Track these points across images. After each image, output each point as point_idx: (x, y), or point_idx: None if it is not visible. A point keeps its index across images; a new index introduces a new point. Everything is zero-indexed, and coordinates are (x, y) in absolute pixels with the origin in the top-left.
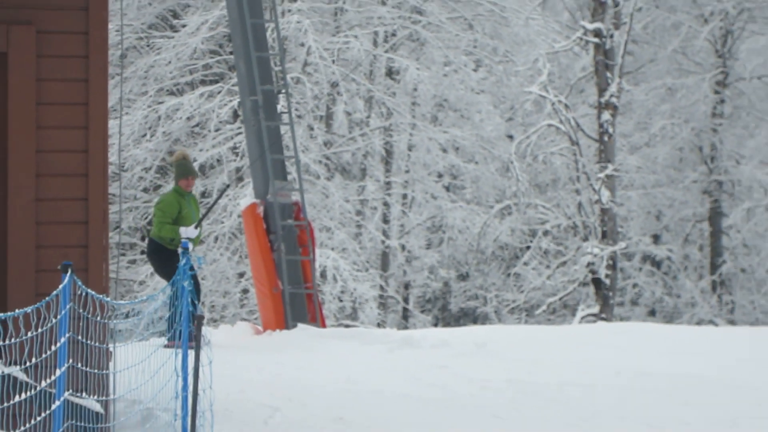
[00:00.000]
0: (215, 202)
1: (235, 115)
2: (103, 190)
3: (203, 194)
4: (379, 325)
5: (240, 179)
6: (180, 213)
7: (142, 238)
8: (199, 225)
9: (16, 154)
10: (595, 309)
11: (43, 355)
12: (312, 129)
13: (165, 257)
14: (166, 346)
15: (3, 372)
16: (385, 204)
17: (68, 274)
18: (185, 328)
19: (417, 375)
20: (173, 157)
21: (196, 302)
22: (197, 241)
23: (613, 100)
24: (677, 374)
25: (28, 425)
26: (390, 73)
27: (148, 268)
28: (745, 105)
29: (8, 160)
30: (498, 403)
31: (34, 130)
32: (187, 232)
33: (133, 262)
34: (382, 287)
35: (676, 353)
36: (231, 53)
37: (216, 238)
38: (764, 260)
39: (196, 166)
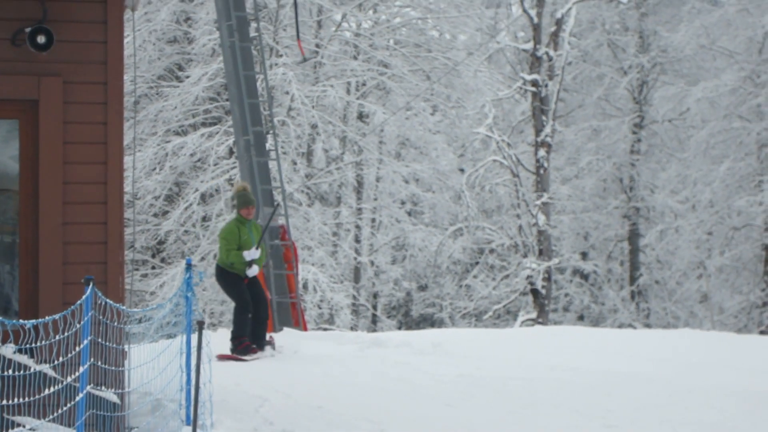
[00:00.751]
0: (267, 224)
1: (231, 152)
2: (119, 216)
3: (204, 218)
4: (352, 329)
5: (235, 205)
6: (240, 239)
7: (152, 256)
8: (258, 246)
9: (46, 185)
10: (533, 315)
11: (69, 355)
12: (295, 163)
13: (231, 280)
14: (219, 358)
15: (35, 369)
16: (357, 227)
17: (90, 286)
18: (188, 332)
19: (383, 370)
20: (234, 189)
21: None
22: (261, 261)
23: (548, 139)
24: (602, 370)
25: (56, 414)
26: (361, 116)
27: (158, 281)
28: (658, 143)
29: (39, 190)
30: (451, 394)
31: (62, 164)
32: (250, 254)
33: (145, 275)
34: (354, 297)
35: (601, 352)
36: (227, 100)
37: (214, 256)
38: (674, 273)
39: (197, 195)
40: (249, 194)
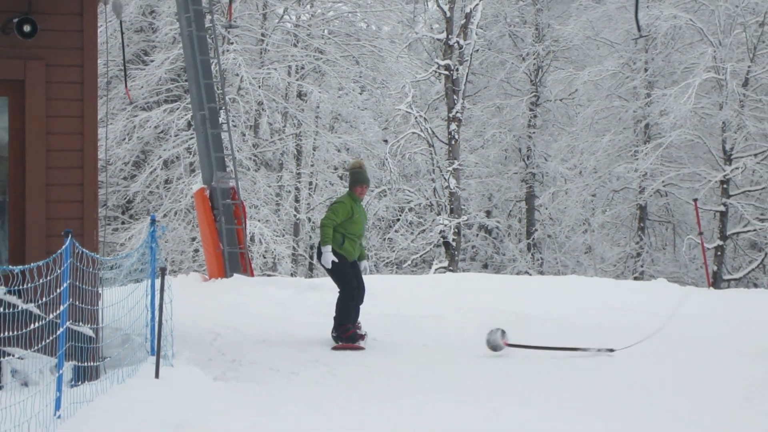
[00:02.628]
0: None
1: (189, 125)
2: (94, 178)
3: (166, 181)
4: (291, 275)
5: (193, 170)
6: (352, 217)
7: (122, 213)
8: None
9: (31, 152)
10: (445, 263)
11: (51, 296)
12: (244, 135)
13: (339, 263)
14: (334, 348)
15: (22, 307)
16: (297, 188)
17: (69, 238)
18: (152, 277)
19: (318, 309)
20: (350, 165)
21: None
22: (338, 242)
23: (458, 115)
24: (502, 310)
25: (40, 345)
26: (300, 95)
27: (128, 234)
28: (551, 119)
29: (26, 156)
30: (376, 330)
31: (45, 135)
32: (328, 254)
33: (116, 229)
34: (294, 248)
35: (501, 295)
36: (186, 80)
37: (175, 213)
38: (564, 229)
39: (160, 162)
40: (365, 172)
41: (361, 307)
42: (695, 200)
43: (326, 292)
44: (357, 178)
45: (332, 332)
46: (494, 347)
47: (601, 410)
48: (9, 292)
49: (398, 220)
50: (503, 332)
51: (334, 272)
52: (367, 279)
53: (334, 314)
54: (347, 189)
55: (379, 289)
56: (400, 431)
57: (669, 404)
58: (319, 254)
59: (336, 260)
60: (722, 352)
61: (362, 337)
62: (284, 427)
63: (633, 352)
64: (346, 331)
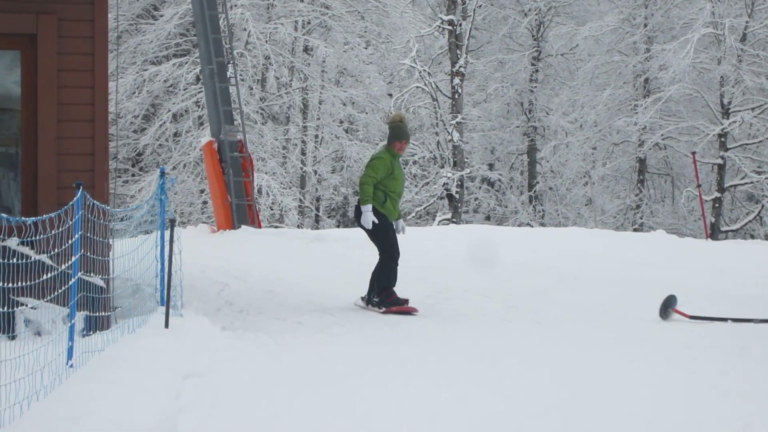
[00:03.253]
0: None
1: (198, 79)
2: (104, 131)
3: (175, 134)
4: (298, 227)
5: (201, 124)
6: (392, 173)
7: (132, 165)
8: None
9: (43, 106)
10: (449, 215)
11: (63, 247)
12: (251, 89)
13: (381, 223)
14: (384, 312)
15: (35, 258)
16: (303, 142)
17: (80, 190)
18: (162, 228)
19: (324, 260)
20: (390, 118)
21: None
22: (378, 201)
23: (462, 69)
24: (504, 261)
25: (53, 295)
26: (306, 49)
27: (138, 186)
28: (552, 74)
29: (38, 109)
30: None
31: (56, 88)
32: (369, 213)
33: (126, 182)
34: (300, 200)
35: (504, 246)
36: (195, 35)
37: (184, 165)
38: (565, 181)
39: (169, 115)
40: (405, 127)
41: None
42: (693, 153)
43: (331, 242)
44: (396, 132)
45: (371, 296)
46: (665, 311)
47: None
48: (22, 242)
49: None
50: (675, 299)
51: (376, 233)
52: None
53: (372, 277)
54: (385, 144)
55: None
56: (403, 379)
57: (667, 352)
58: (358, 214)
59: (377, 220)
60: (719, 303)
61: (406, 300)
62: (290, 375)
63: (629, 301)
64: (390, 296)
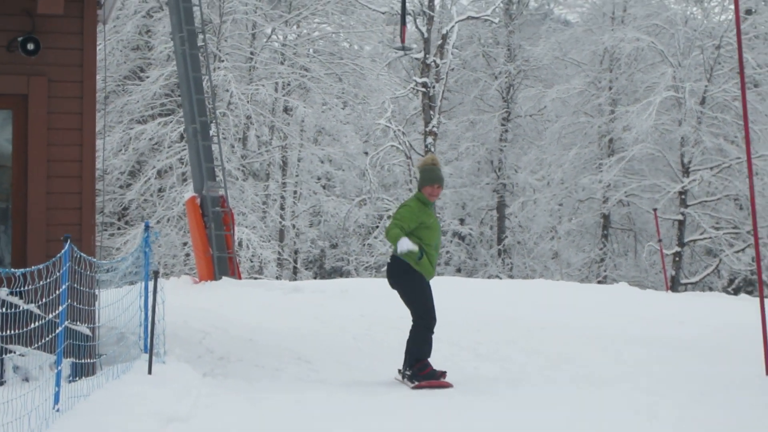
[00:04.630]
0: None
1: (181, 137)
2: (91, 187)
3: (159, 190)
4: (277, 278)
5: (185, 180)
6: (424, 224)
7: (118, 219)
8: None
9: (33, 162)
10: None
11: (51, 297)
12: (233, 146)
13: (417, 282)
14: (416, 387)
15: (24, 308)
16: (282, 197)
17: (68, 243)
18: (146, 279)
19: (302, 311)
20: (421, 161)
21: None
22: (413, 257)
23: (434, 129)
24: (474, 311)
25: (40, 343)
26: (286, 109)
27: (123, 239)
28: (521, 133)
29: (28, 166)
30: (356, 330)
31: (46, 146)
32: (407, 244)
33: (112, 234)
34: (279, 252)
35: (473, 297)
36: (179, 96)
37: (168, 219)
38: (533, 236)
39: (154, 171)
40: (438, 170)
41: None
42: (655, 210)
43: (309, 294)
44: (427, 176)
45: (405, 370)
46: None
47: (565, 404)
48: (11, 293)
49: (377, 227)
50: None
51: (412, 292)
52: (348, 282)
53: (407, 347)
54: (416, 191)
55: (359, 292)
56: (376, 425)
57: (628, 398)
58: (391, 272)
59: (415, 247)
60: (679, 351)
61: (443, 374)
62: (269, 419)
63: (593, 349)
64: (423, 369)
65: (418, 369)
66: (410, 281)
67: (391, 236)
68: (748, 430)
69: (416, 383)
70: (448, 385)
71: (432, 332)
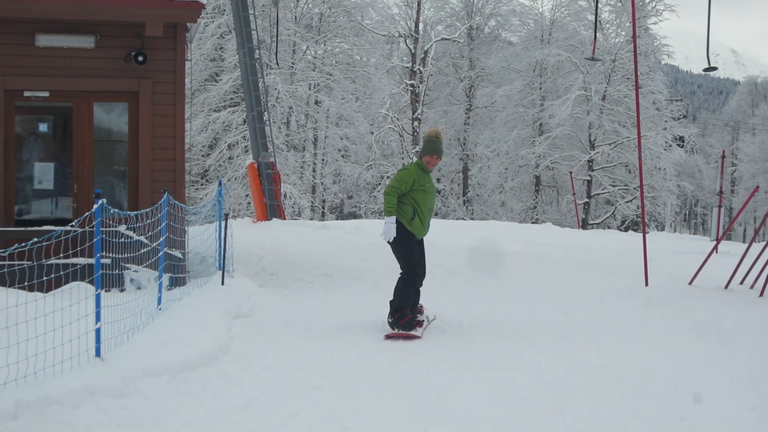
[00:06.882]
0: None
1: (244, 121)
2: (182, 155)
3: (229, 158)
4: (310, 219)
5: (246, 151)
6: (422, 187)
7: (201, 178)
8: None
9: (142, 139)
10: None
11: (154, 231)
12: (280, 128)
13: (404, 241)
14: (388, 336)
15: (136, 238)
16: (314, 163)
17: (165, 194)
18: (220, 219)
19: (327, 241)
20: (426, 131)
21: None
22: (406, 218)
23: (419, 116)
24: (445, 242)
25: (147, 263)
26: (316, 102)
27: (204, 192)
28: (479, 120)
29: (139, 141)
30: (364, 254)
31: (151, 127)
32: (391, 225)
33: (197, 189)
34: (312, 202)
35: (445, 233)
36: (242, 92)
37: (235, 178)
38: (487, 190)
39: (225, 145)
40: (439, 143)
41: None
42: (571, 173)
43: (333, 230)
44: (428, 146)
45: (388, 317)
46: None
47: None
48: (128, 228)
49: (379, 184)
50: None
51: (399, 249)
52: (360, 222)
53: (391, 298)
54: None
55: (368, 227)
56: (379, 305)
57: (548, 302)
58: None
59: (397, 235)
60: (587, 269)
61: (420, 323)
62: (304, 314)
63: (527, 268)
64: (403, 317)
65: (398, 317)
66: (400, 239)
67: (385, 203)
68: (630, 317)
69: (387, 333)
70: (415, 337)
71: (413, 288)
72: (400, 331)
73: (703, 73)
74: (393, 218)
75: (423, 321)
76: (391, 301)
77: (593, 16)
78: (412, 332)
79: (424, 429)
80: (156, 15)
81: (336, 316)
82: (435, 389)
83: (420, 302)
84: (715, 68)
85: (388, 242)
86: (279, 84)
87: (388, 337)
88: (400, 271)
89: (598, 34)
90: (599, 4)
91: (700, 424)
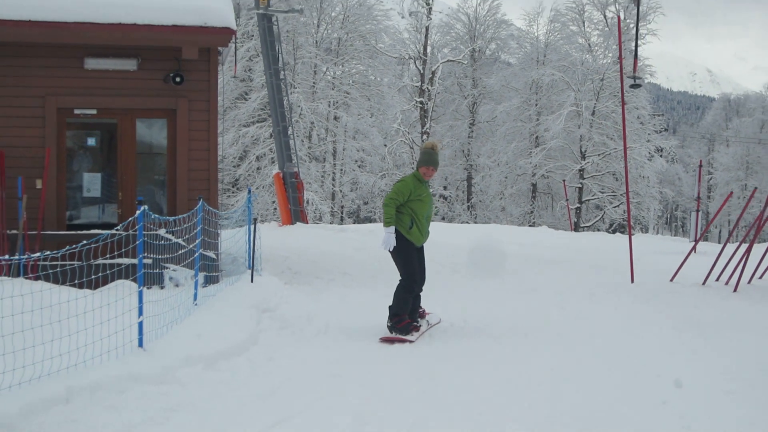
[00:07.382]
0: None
1: (270, 135)
2: (215, 166)
3: (257, 169)
4: (330, 224)
5: (273, 162)
6: (420, 197)
7: (232, 186)
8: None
9: (179, 151)
10: None
11: (191, 234)
12: (303, 141)
13: (403, 249)
14: (383, 339)
15: (174, 240)
16: (333, 173)
17: (200, 201)
18: (249, 224)
19: (345, 243)
20: (424, 144)
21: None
22: (405, 227)
23: (428, 130)
24: (451, 243)
25: (184, 263)
26: (335, 118)
27: (235, 199)
28: (481, 133)
29: (176, 154)
30: (379, 255)
31: (188, 141)
32: (390, 236)
33: (229, 196)
34: (332, 207)
35: (452, 235)
36: (269, 110)
37: (263, 187)
38: (489, 197)
39: (254, 157)
40: (435, 155)
41: (421, 293)
42: (564, 181)
43: (350, 233)
44: (424, 158)
45: (387, 322)
46: None
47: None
48: (167, 232)
49: None
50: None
51: (398, 258)
52: (375, 226)
53: (390, 303)
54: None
55: (381, 231)
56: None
57: (546, 297)
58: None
59: (396, 243)
60: (578, 268)
61: (417, 328)
62: (325, 309)
63: (526, 266)
64: (401, 322)
65: (396, 321)
66: (400, 248)
67: (384, 214)
68: (618, 311)
69: (381, 337)
70: (405, 341)
71: (411, 295)
72: (396, 335)
73: (631, 89)
74: (392, 228)
75: (421, 326)
76: (390, 306)
77: (584, 40)
78: (407, 337)
79: (434, 412)
80: (191, 40)
81: (353, 310)
82: (443, 378)
83: (422, 307)
84: (639, 85)
85: (389, 251)
86: (302, 102)
87: (384, 340)
88: (400, 278)
89: (587, 55)
90: (587, 29)
91: (681, 406)
